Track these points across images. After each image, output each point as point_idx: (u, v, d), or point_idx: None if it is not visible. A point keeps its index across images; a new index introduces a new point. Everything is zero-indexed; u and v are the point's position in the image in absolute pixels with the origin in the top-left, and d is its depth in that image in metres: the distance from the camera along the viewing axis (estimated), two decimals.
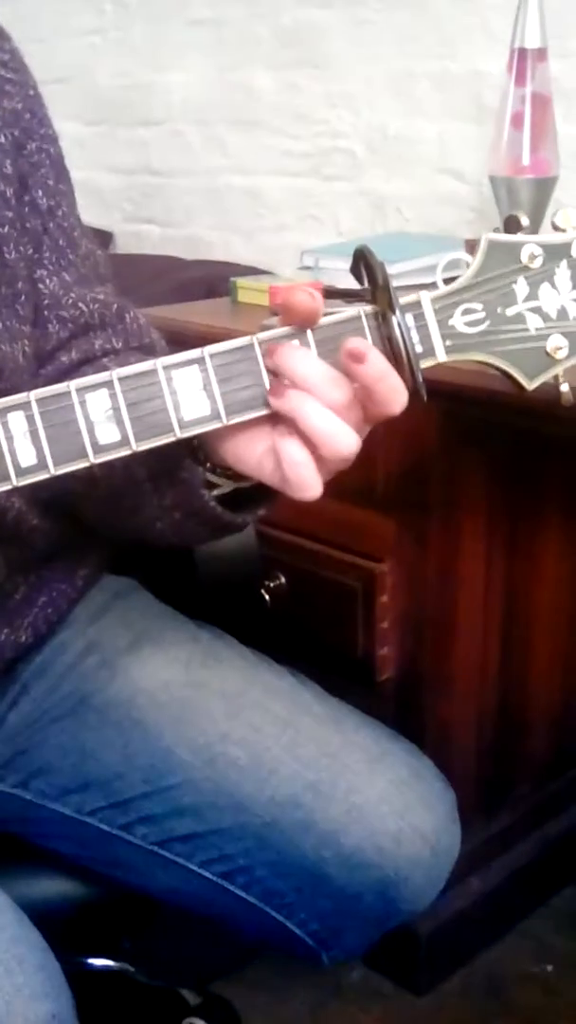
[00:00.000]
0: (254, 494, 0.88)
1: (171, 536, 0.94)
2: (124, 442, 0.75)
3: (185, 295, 1.87)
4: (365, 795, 0.95)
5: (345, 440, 0.77)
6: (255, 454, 0.80)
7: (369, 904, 0.95)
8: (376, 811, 0.94)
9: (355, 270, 0.80)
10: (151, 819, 0.97)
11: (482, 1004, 1.58)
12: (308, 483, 0.77)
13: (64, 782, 0.99)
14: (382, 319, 0.77)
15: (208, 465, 0.86)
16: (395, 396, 0.77)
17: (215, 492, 0.88)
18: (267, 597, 1.49)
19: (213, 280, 1.93)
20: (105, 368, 0.93)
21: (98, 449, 0.74)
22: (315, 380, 0.76)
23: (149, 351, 1.02)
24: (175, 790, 0.97)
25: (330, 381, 0.76)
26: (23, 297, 0.96)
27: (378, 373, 0.76)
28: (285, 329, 0.77)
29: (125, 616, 1.07)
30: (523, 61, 1.49)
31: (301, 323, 0.77)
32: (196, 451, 0.85)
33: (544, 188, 1.50)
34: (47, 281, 0.98)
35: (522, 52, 1.49)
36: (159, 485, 0.89)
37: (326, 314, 0.78)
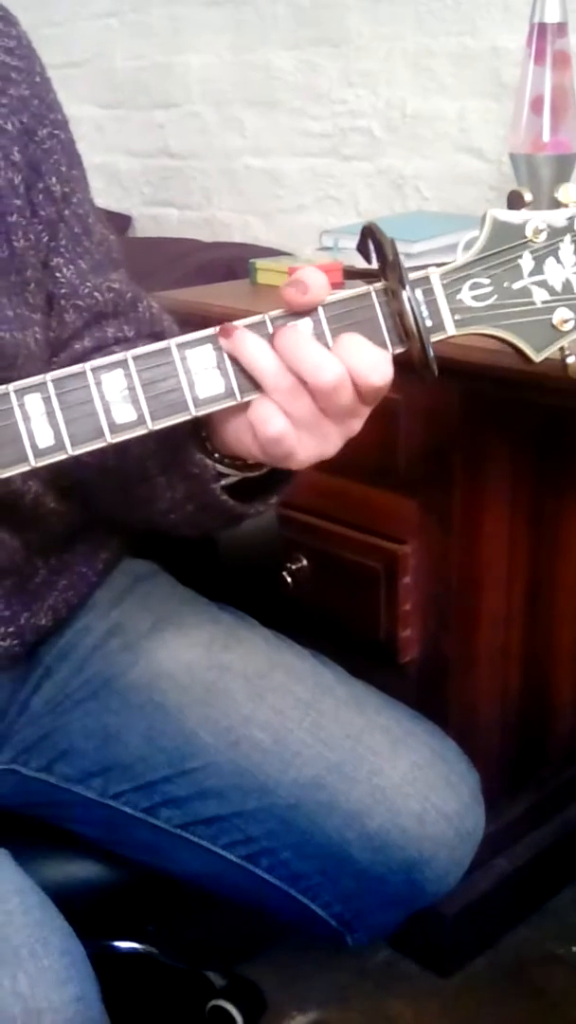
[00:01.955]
0: (266, 481, 0.89)
1: (185, 527, 0.94)
2: (140, 421, 0.75)
3: (205, 277, 1.86)
4: (388, 776, 0.95)
5: (275, 424, 0.77)
6: (248, 438, 0.81)
7: (393, 885, 0.95)
8: (400, 792, 0.94)
9: (362, 248, 0.80)
10: (175, 802, 0.98)
11: (507, 985, 1.58)
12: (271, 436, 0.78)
13: (88, 765, 1.00)
14: (392, 295, 0.77)
15: (216, 456, 0.86)
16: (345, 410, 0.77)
17: (223, 482, 0.88)
18: (289, 579, 1.49)
19: (232, 262, 1.92)
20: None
21: (115, 429, 0.74)
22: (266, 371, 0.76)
23: (160, 338, 1.02)
24: (198, 772, 0.97)
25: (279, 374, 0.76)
26: (33, 285, 0.96)
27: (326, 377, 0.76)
28: None
29: (147, 599, 1.07)
30: (543, 36, 1.47)
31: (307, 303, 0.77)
32: (205, 443, 0.86)
33: (564, 165, 1.49)
34: (64, 270, 0.98)
35: (541, 27, 1.47)
36: (171, 479, 0.89)
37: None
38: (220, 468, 0.87)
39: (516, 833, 1.64)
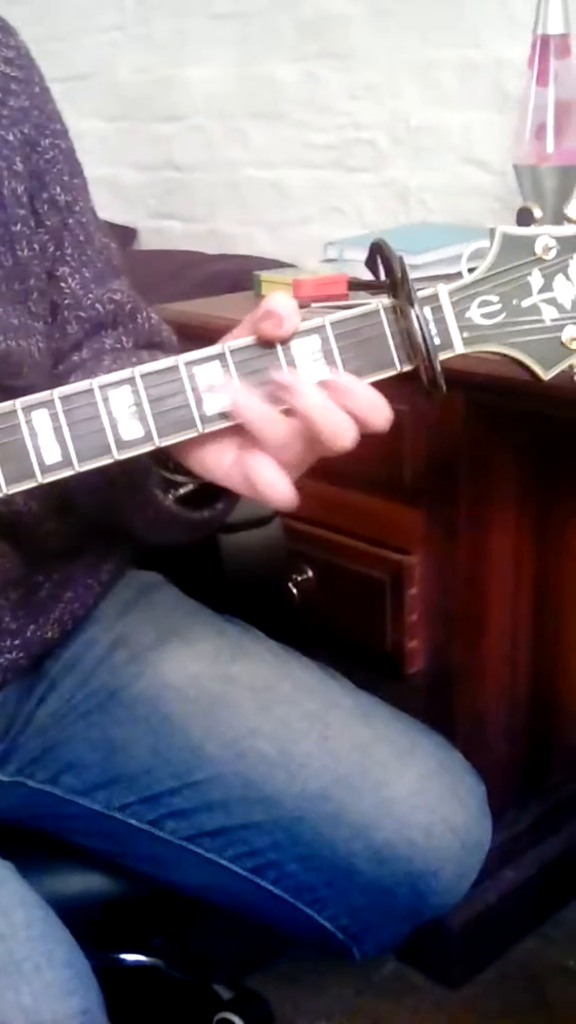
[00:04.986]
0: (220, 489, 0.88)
1: (153, 536, 0.94)
2: (147, 438, 0.75)
3: (209, 290, 1.86)
4: (395, 789, 0.94)
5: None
6: (223, 466, 0.80)
7: (400, 898, 0.95)
8: (406, 804, 0.94)
9: (371, 264, 0.80)
10: (181, 814, 0.97)
11: (515, 997, 1.57)
12: (280, 496, 0.78)
13: (93, 777, 1.00)
14: (400, 312, 0.77)
15: (171, 465, 0.85)
16: (339, 431, 0.77)
17: (180, 492, 0.88)
18: (295, 591, 1.49)
19: (237, 274, 1.92)
20: (109, 366, 0.94)
21: (122, 445, 0.74)
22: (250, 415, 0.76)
23: (160, 349, 1.03)
24: (204, 785, 0.96)
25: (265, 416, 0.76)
26: (36, 294, 0.96)
27: (315, 407, 0.75)
28: (306, 324, 0.77)
29: (152, 611, 1.07)
30: (546, 47, 1.48)
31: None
32: (162, 455, 0.85)
33: (569, 176, 1.49)
34: (69, 280, 0.99)
35: (545, 39, 1.48)
36: (130, 488, 0.89)
37: (350, 306, 0.78)
38: (171, 477, 0.87)
39: (523, 845, 1.64)
